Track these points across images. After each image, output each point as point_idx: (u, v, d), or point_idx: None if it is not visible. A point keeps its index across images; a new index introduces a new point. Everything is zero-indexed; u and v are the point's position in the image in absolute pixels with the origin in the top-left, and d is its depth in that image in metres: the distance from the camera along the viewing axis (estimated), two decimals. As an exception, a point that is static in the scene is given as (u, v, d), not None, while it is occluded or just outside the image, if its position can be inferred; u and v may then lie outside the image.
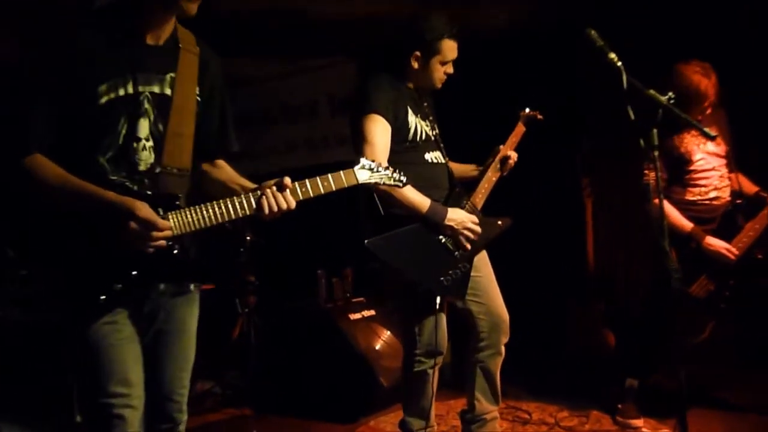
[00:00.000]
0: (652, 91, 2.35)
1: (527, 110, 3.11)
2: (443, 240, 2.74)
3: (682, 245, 3.22)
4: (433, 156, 2.85)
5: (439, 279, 2.72)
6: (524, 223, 3.18)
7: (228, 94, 2.15)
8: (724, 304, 3.23)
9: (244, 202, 1.97)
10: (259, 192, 1.99)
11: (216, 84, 2.10)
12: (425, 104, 2.92)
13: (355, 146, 2.70)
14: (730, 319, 3.35)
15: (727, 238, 3.24)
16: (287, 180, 1.99)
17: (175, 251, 1.95)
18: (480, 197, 2.90)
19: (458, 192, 2.87)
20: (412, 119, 2.79)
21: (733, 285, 3.22)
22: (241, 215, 1.97)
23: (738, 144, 3.37)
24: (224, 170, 2.18)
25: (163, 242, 1.89)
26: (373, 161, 2.11)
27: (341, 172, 2.05)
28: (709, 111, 3.27)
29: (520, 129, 3.07)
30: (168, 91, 1.97)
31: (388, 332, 4.00)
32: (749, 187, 3.37)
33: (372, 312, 4.10)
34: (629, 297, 4.54)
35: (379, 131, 2.65)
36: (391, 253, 2.64)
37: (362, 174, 2.08)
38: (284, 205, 1.97)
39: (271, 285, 4.24)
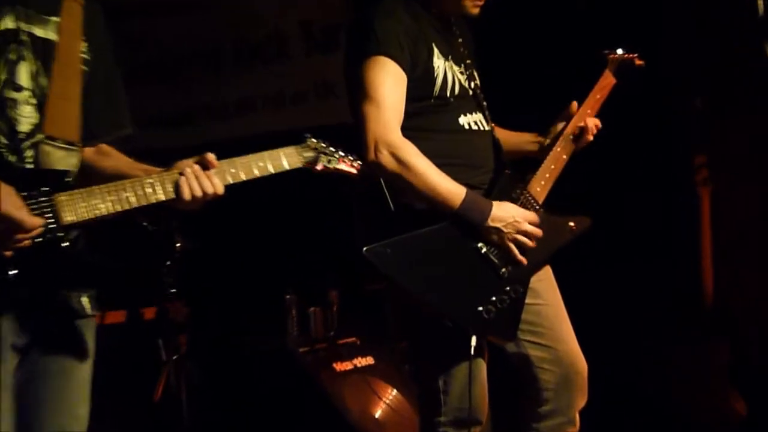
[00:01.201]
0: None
1: (619, 51, 3.10)
2: (484, 250, 2.72)
3: None
4: (472, 120, 2.87)
5: (475, 309, 2.70)
6: (605, 226, 3.17)
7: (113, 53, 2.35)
8: None
9: (157, 184, 2.12)
10: (176, 172, 2.14)
11: (103, 43, 2.31)
12: (459, 41, 2.92)
13: (352, 105, 2.73)
14: None
15: None
16: (211, 157, 2.15)
17: (65, 244, 2.04)
18: (543, 185, 2.88)
19: (508, 176, 2.85)
20: (440, 63, 2.79)
21: None
22: (153, 201, 2.13)
23: None
24: (114, 158, 2.33)
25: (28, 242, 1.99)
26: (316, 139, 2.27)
27: (281, 150, 2.24)
28: None
29: (607, 81, 3.05)
30: (53, 37, 2.15)
31: (394, 391, 4.01)
32: None
33: (369, 360, 4.12)
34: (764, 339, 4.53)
35: (389, 83, 2.68)
36: (401, 268, 2.64)
37: (306, 155, 2.29)
38: (210, 189, 2.14)
39: (214, 317, 4.28)
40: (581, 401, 2.91)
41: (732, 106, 4.60)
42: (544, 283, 2.92)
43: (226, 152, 2.24)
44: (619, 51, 3.10)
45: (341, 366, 4.03)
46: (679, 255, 4.70)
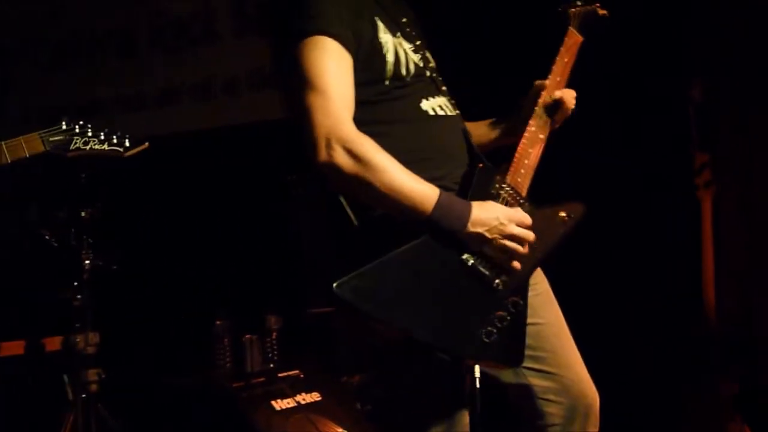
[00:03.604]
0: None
1: (578, 3, 3.08)
2: (471, 262, 2.66)
3: None
4: (437, 104, 2.82)
5: (474, 334, 2.65)
6: (595, 227, 3.19)
7: None
8: None
9: None
10: None
11: None
12: (405, 20, 2.88)
13: (288, 96, 2.68)
14: None
15: None
16: None
17: None
18: (523, 174, 2.84)
19: (484, 169, 2.79)
20: (388, 38, 2.75)
21: None
22: None
23: None
24: None
25: None
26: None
27: (23, 137, 2.22)
28: None
29: (573, 40, 3.03)
30: None
31: (345, 432, 4.01)
32: None
33: (315, 396, 4.10)
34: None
35: (334, 67, 2.62)
36: (382, 302, 2.56)
37: (54, 139, 2.27)
38: None
39: (130, 348, 4.24)
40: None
41: (740, 96, 4.68)
42: (541, 298, 2.89)
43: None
44: (578, 2, 3.09)
45: (282, 403, 3.99)
46: (679, 267, 4.76)
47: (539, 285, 2.91)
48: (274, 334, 4.36)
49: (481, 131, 3.07)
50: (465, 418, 2.77)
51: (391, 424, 2.86)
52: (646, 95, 4.74)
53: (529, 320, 2.79)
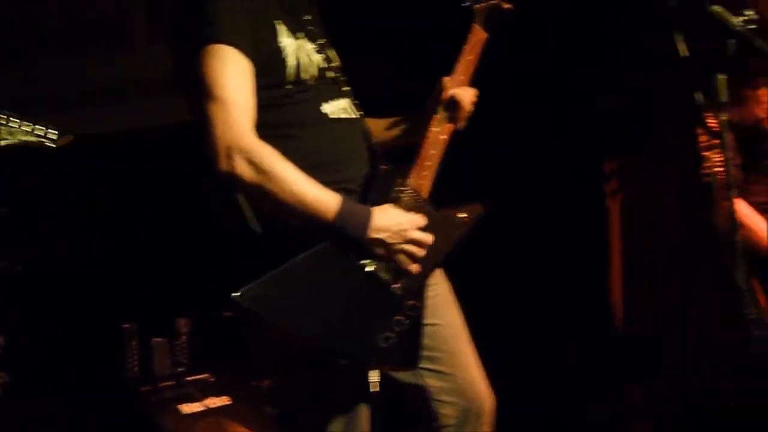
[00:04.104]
0: (718, 8, 2.44)
1: None
2: (370, 267, 2.70)
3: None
4: (338, 107, 2.83)
5: (372, 338, 2.69)
6: (506, 231, 3.22)
7: None
8: None
9: None
10: None
11: None
12: (308, 18, 2.88)
13: (190, 103, 2.66)
14: None
15: None
16: None
17: None
18: (425, 176, 2.86)
19: (386, 172, 2.82)
20: (289, 42, 2.75)
21: None
22: None
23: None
24: None
25: None
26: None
27: None
28: None
29: (477, 37, 3.03)
30: None
31: (256, 438, 3.98)
32: None
33: (225, 400, 4.09)
34: (686, 371, 4.67)
35: (233, 76, 2.61)
36: (283, 309, 2.59)
37: None
38: None
39: (33, 351, 4.19)
40: None
41: (642, 107, 4.76)
42: (440, 299, 2.93)
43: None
44: None
45: (190, 407, 3.97)
46: (588, 274, 4.83)
47: (438, 286, 2.95)
48: (184, 337, 4.32)
49: (385, 129, 3.09)
50: (365, 417, 2.82)
51: (297, 425, 2.87)
52: (558, 102, 4.81)
53: (427, 321, 2.83)
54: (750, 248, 3.29)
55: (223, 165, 2.53)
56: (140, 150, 4.96)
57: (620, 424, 4.63)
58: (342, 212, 2.61)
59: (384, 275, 2.71)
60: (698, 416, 4.43)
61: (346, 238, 2.63)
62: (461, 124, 2.98)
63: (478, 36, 3.03)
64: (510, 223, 4.43)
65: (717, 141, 2.63)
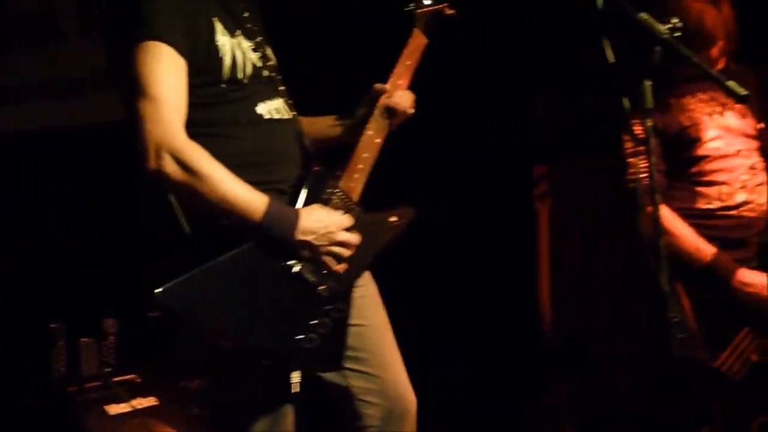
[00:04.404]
0: (645, 16, 2.47)
1: (426, 2, 3.07)
2: (296, 268, 2.70)
3: (699, 285, 3.40)
4: (273, 107, 2.83)
5: (295, 339, 2.69)
6: (436, 237, 3.23)
7: None
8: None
9: None
10: None
11: None
12: (247, 15, 2.87)
13: (125, 100, 2.65)
14: None
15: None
16: None
17: None
18: (357, 178, 2.87)
19: (317, 174, 2.82)
20: (225, 41, 2.74)
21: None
22: None
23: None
24: None
25: None
26: None
27: None
28: (721, 63, 3.49)
29: (417, 42, 3.03)
30: None
31: (182, 438, 3.97)
32: None
33: (152, 400, 4.06)
34: (611, 377, 4.75)
35: (166, 74, 2.60)
36: (205, 308, 2.58)
37: None
38: None
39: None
40: None
41: (573, 114, 4.84)
42: (367, 300, 2.94)
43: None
44: (426, 1, 3.07)
45: (117, 408, 3.92)
46: (519, 279, 4.88)
47: (365, 287, 2.96)
48: (111, 337, 4.28)
49: (322, 128, 3.09)
50: (289, 416, 2.83)
51: (221, 425, 2.86)
52: (491, 106, 4.84)
53: (353, 321, 2.85)
54: (674, 253, 3.34)
55: (152, 163, 2.52)
56: (69, 148, 4.91)
57: (547, 424, 4.68)
58: (269, 213, 2.61)
59: (310, 276, 2.71)
60: (622, 417, 4.50)
61: (273, 239, 2.63)
62: (394, 128, 2.99)
63: (418, 41, 3.04)
64: (441, 226, 4.46)
65: (642, 147, 2.66)
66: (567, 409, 4.69)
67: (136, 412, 4.01)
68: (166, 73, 2.60)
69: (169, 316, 2.69)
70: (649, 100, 2.48)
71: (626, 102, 2.54)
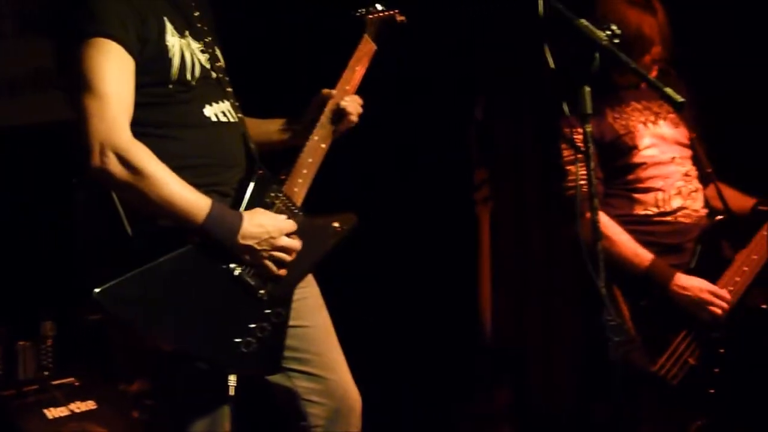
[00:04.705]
0: (584, 22, 2.50)
1: (378, 7, 3.08)
2: (237, 271, 2.69)
3: (636, 290, 3.43)
4: (220, 110, 2.82)
5: (233, 343, 2.68)
6: (376, 239, 3.23)
7: None
8: (713, 388, 3.44)
9: None
10: None
11: None
12: (197, 14, 2.87)
13: (70, 98, 2.63)
14: (726, 413, 3.52)
15: (709, 279, 3.47)
16: None
17: None
18: (300, 183, 2.87)
19: (261, 177, 2.81)
20: (175, 42, 2.73)
21: (725, 355, 3.44)
22: None
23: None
24: None
25: None
26: None
27: None
28: (654, 72, 3.52)
29: (366, 48, 3.04)
30: None
31: (122, 442, 3.94)
32: (737, 198, 3.64)
33: (90, 404, 4.01)
34: (552, 380, 4.79)
35: (114, 71, 2.60)
36: (142, 310, 2.56)
37: None
38: None
39: None
40: None
41: (513, 118, 4.86)
42: (310, 302, 2.94)
43: None
44: (378, 7, 3.08)
45: (55, 412, 3.87)
46: (460, 283, 4.89)
47: (308, 289, 2.96)
48: (49, 341, 4.23)
49: (268, 130, 3.09)
50: (227, 417, 2.81)
51: (158, 427, 2.86)
52: (430, 112, 4.86)
53: (296, 323, 2.86)
54: (612, 259, 3.38)
55: (96, 161, 2.51)
56: (4, 148, 4.86)
57: (484, 426, 4.70)
58: (211, 216, 2.61)
59: (250, 280, 2.71)
60: (559, 419, 4.54)
61: (215, 242, 2.63)
62: (339, 134, 3.00)
63: (367, 47, 3.05)
64: (382, 229, 4.46)
65: (581, 154, 2.69)
66: (504, 411, 4.71)
67: (74, 416, 3.96)
68: (114, 71, 2.59)
69: (107, 317, 2.67)
70: (588, 106, 2.50)
71: (565, 108, 2.56)
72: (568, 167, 3.44)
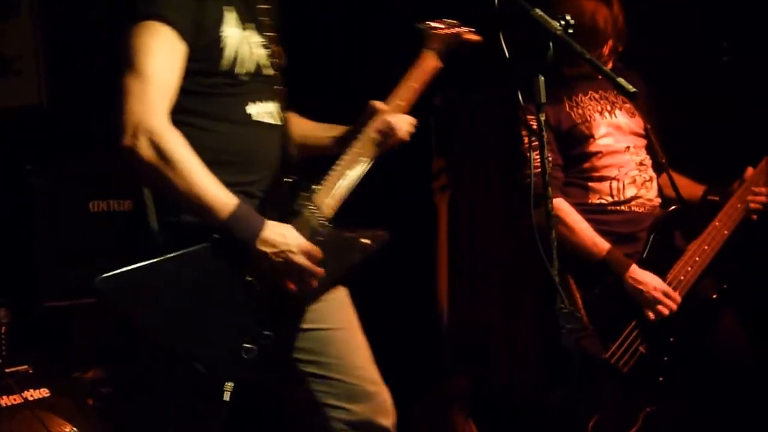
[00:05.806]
0: (539, 12, 2.53)
1: (445, 23, 2.99)
2: (248, 276, 2.65)
3: (591, 279, 3.50)
4: (264, 110, 2.78)
5: (234, 349, 2.64)
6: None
7: None
8: (663, 376, 3.53)
9: None
10: None
11: None
12: (264, 7, 2.82)
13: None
14: (675, 400, 3.63)
15: (661, 269, 3.55)
16: None
17: None
18: (333, 194, 2.79)
19: (292, 185, 2.76)
20: (233, 33, 2.70)
21: (675, 344, 3.53)
22: None
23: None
24: None
25: None
26: None
27: None
28: (610, 63, 3.61)
29: (428, 64, 2.93)
30: None
31: (74, 429, 3.90)
32: (689, 187, 3.73)
33: (44, 392, 3.98)
34: (509, 369, 4.85)
35: (162, 54, 2.58)
36: (138, 302, 2.53)
37: None
38: None
39: None
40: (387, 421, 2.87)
41: (469, 104, 4.91)
42: (332, 304, 2.87)
43: None
44: (447, 22, 3.05)
45: (7, 400, 3.84)
46: (415, 270, 4.93)
47: (332, 291, 2.89)
48: (3, 328, 4.20)
49: (320, 135, 3.06)
50: (219, 423, 2.77)
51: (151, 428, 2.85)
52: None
53: (316, 325, 2.82)
54: (571, 246, 3.43)
55: (127, 141, 2.50)
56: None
57: (440, 414, 4.73)
58: (235, 214, 2.58)
59: (260, 288, 2.67)
60: (515, 407, 4.58)
61: (233, 241, 2.60)
62: (382, 153, 2.95)
63: (429, 63, 2.99)
64: (339, 219, 4.48)
65: (536, 142, 2.72)
66: (460, 399, 4.74)
67: (27, 404, 3.95)
68: (162, 54, 2.58)
69: (104, 306, 2.65)
70: (543, 95, 2.53)
71: (520, 97, 2.59)
72: (528, 154, 3.47)
